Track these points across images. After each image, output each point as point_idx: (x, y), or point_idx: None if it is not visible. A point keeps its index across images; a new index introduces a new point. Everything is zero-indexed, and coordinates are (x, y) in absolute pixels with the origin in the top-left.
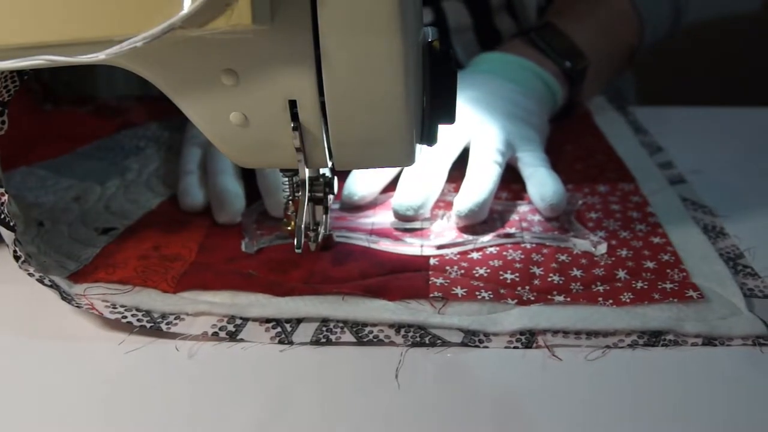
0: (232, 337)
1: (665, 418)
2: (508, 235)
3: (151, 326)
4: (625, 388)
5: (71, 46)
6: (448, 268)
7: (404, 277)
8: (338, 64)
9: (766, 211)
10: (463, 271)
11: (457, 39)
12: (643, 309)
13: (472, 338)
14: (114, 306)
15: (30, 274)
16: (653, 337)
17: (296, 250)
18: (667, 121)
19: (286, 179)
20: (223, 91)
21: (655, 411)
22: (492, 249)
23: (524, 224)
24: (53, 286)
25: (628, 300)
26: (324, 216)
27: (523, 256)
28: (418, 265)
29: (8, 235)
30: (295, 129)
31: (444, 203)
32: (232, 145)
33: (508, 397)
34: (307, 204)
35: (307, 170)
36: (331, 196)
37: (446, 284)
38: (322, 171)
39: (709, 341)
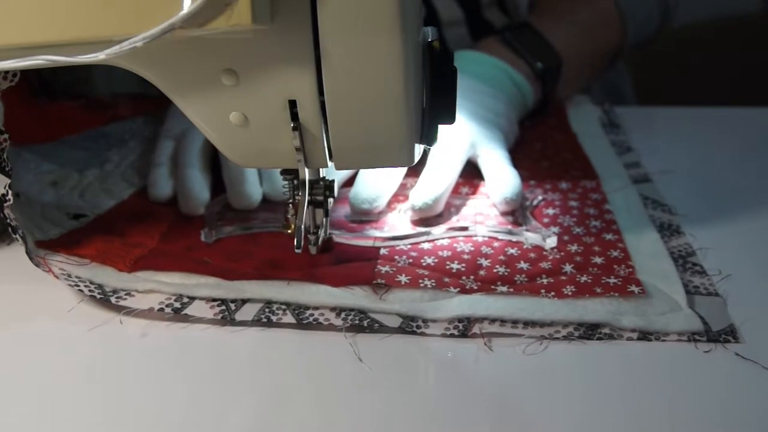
0: (177, 313)
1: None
2: (461, 228)
3: (101, 298)
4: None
5: (71, 46)
6: (397, 257)
7: (352, 266)
8: (338, 64)
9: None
10: (411, 260)
11: (449, 33)
12: (584, 302)
13: (410, 324)
14: (69, 275)
15: (9, 221)
16: (590, 330)
17: (296, 250)
18: (659, 120)
19: (286, 182)
20: (223, 91)
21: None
22: (444, 241)
23: (479, 218)
24: (23, 238)
25: (570, 293)
26: (324, 219)
27: (473, 248)
28: (368, 255)
29: (2, 180)
30: (295, 129)
31: (404, 197)
32: (231, 145)
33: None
34: (307, 206)
35: (307, 173)
36: (331, 200)
37: (391, 272)
38: (322, 174)
39: (645, 336)
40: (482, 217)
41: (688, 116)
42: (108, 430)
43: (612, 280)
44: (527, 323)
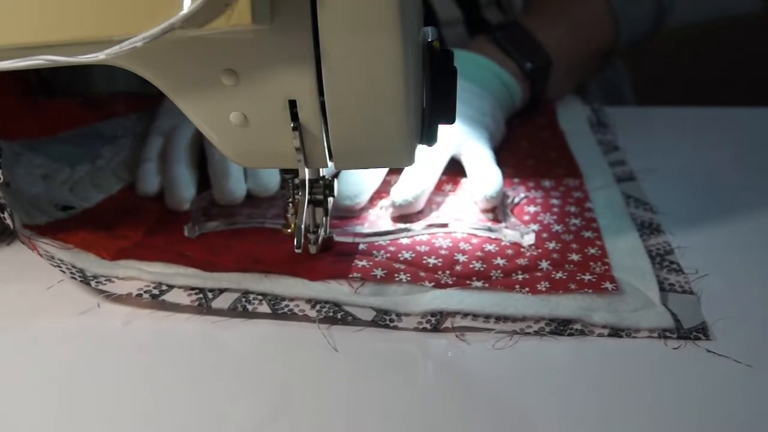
0: (155, 299)
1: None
2: (441, 225)
3: (81, 280)
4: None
5: (71, 46)
6: (375, 252)
7: (330, 261)
8: (338, 64)
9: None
10: (388, 255)
11: (447, 33)
12: (557, 298)
13: (384, 317)
14: (52, 257)
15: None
16: (561, 326)
17: (296, 250)
18: (653, 120)
19: (285, 180)
20: (223, 91)
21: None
22: (423, 236)
23: (460, 215)
24: (11, 216)
25: (543, 289)
26: (324, 218)
27: (451, 244)
28: (347, 251)
29: None
30: (295, 129)
31: (387, 194)
32: (231, 145)
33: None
34: (307, 206)
35: (307, 172)
36: (331, 199)
37: (368, 266)
38: (322, 173)
39: (616, 332)
40: (463, 214)
41: (682, 116)
42: (109, 425)
43: (587, 277)
44: (499, 318)
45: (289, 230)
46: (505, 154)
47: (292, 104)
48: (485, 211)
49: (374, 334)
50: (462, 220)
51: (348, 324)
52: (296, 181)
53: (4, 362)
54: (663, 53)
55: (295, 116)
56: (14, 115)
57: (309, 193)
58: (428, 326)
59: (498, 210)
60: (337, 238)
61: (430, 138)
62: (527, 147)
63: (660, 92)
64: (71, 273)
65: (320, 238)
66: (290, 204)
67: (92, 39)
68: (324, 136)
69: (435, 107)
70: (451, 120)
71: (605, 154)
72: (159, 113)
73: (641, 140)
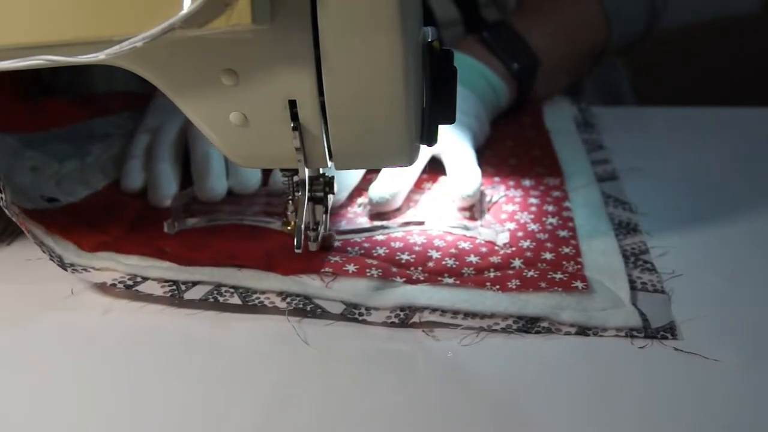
0: (128, 289)
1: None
2: (418, 223)
3: (58, 264)
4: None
5: (71, 46)
6: (349, 249)
7: (304, 257)
8: (338, 63)
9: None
10: (363, 252)
11: (446, 33)
12: (527, 296)
13: (353, 311)
14: (35, 236)
15: None
16: (529, 324)
17: (296, 250)
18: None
19: (286, 179)
20: (223, 91)
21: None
22: (398, 233)
23: (438, 213)
24: (3, 190)
25: (514, 287)
26: (324, 216)
27: (425, 241)
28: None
29: None
30: (295, 129)
31: (366, 192)
32: (231, 145)
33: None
34: (307, 204)
35: (307, 170)
36: (331, 196)
37: (340, 262)
38: (322, 170)
39: (583, 331)
40: (440, 212)
41: (677, 116)
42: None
43: (558, 276)
44: (468, 314)
45: (289, 228)
46: (488, 153)
47: (292, 104)
48: (462, 209)
49: (343, 328)
50: (439, 218)
51: (317, 317)
52: (296, 179)
53: (4, 362)
54: (663, 53)
55: (295, 116)
56: (8, 111)
57: (309, 191)
58: (396, 321)
59: (475, 209)
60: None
61: (430, 138)
62: (511, 146)
63: (659, 92)
64: (50, 257)
65: (320, 236)
66: (290, 202)
67: (92, 39)
68: (324, 136)
69: (435, 107)
70: (451, 120)
71: (589, 152)
72: (148, 111)
73: (632, 139)
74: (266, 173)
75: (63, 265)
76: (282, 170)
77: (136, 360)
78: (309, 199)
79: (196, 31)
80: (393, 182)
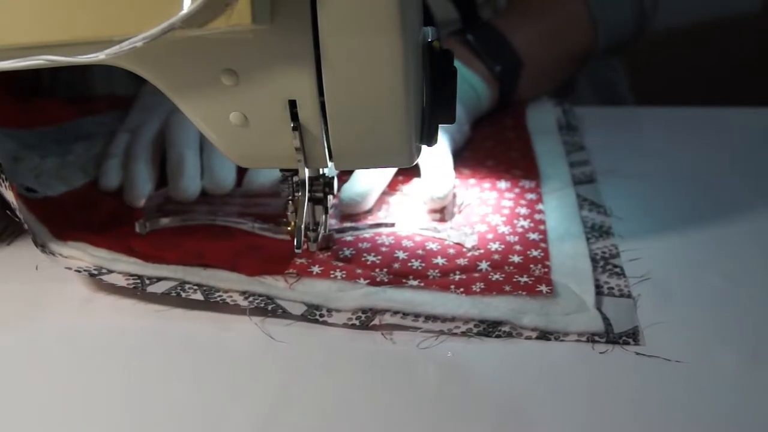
0: (92, 277)
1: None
2: (388, 225)
3: (32, 239)
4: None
5: (71, 46)
6: (318, 252)
7: (270, 258)
8: (338, 64)
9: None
10: (329, 253)
11: (444, 33)
12: (489, 299)
13: (314, 312)
14: (17, 208)
15: None
16: (490, 328)
17: (296, 250)
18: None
19: (285, 179)
20: (223, 91)
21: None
22: (367, 234)
23: (409, 215)
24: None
25: (478, 290)
26: (324, 216)
27: (393, 242)
28: (290, 249)
29: None
30: (295, 129)
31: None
32: (231, 145)
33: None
34: (307, 204)
35: (307, 170)
36: (331, 196)
37: (305, 263)
38: (321, 171)
39: (545, 335)
40: (412, 214)
41: (671, 116)
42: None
43: (523, 279)
44: (429, 317)
45: (289, 228)
46: (466, 155)
47: (292, 104)
48: (433, 211)
49: (304, 329)
50: (410, 220)
51: (278, 317)
52: (296, 179)
53: (5, 362)
54: (662, 53)
55: (295, 116)
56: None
57: (309, 191)
58: (357, 322)
59: (446, 211)
60: (280, 237)
61: (430, 138)
62: (490, 147)
63: (659, 92)
64: (28, 226)
65: (320, 236)
66: (290, 202)
67: (92, 39)
68: (324, 136)
69: (435, 107)
70: (451, 120)
71: (569, 153)
72: (131, 110)
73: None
74: (241, 174)
75: (36, 243)
76: (282, 170)
77: (137, 361)
78: (309, 200)
79: (196, 31)
80: (364, 184)
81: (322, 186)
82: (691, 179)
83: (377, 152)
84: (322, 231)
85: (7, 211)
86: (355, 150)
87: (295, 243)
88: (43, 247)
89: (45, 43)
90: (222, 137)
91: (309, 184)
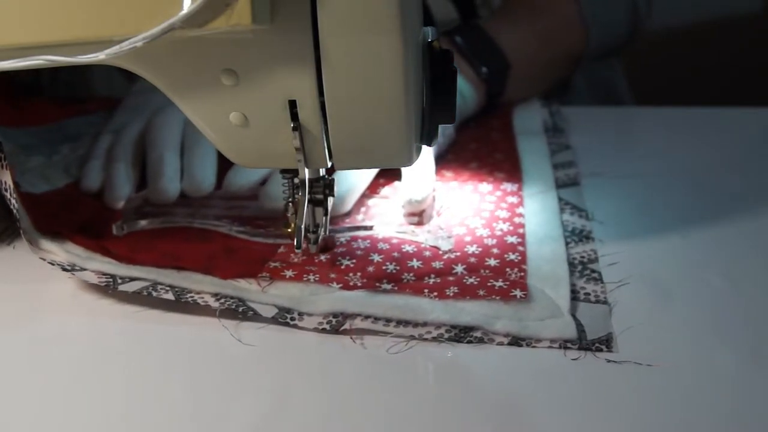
0: (65, 271)
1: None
2: (366, 228)
3: (16, 222)
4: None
5: (71, 46)
6: (292, 255)
7: (244, 260)
8: (338, 64)
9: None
10: (305, 257)
11: None
12: (462, 304)
13: (285, 315)
14: (9, 191)
15: None
16: (462, 333)
17: (296, 250)
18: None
19: (285, 181)
20: (223, 91)
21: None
22: (343, 237)
23: (386, 218)
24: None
25: (452, 294)
26: (324, 218)
27: (369, 245)
28: (265, 252)
29: None
30: (295, 129)
31: None
32: (231, 145)
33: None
34: (307, 205)
35: (307, 171)
36: (331, 198)
37: (280, 267)
38: (322, 172)
39: (517, 341)
40: (390, 217)
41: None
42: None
43: (498, 284)
44: (400, 322)
45: (289, 230)
46: (450, 157)
47: (292, 104)
48: (411, 214)
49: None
50: (388, 222)
51: (249, 319)
52: (296, 180)
53: (5, 362)
54: (662, 52)
55: (295, 116)
56: None
57: (309, 193)
58: (328, 327)
59: (425, 213)
60: (258, 239)
61: (430, 138)
62: (475, 149)
63: (658, 92)
64: (15, 209)
65: (320, 238)
66: (290, 203)
67: (92, 39)
68: (324, 136)
69: (435, 107)
70: (450, 120)
71: (554, 154)
72: (116, 111)
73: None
74: (220, 176)
75: (17, 225)
76: (282, 171)
77: (136, 361)
78: (309, 202)
79: (196, 31)
80: (344, 186)
81: (322, 187)
82: (690, 179)
83: (377, 152)
84: (322, 233)
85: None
86: (355, 150)
87: (295, 243)
88: (25, 233)
89: (45, 43)
90: (222, 137)
91: (309, 186)
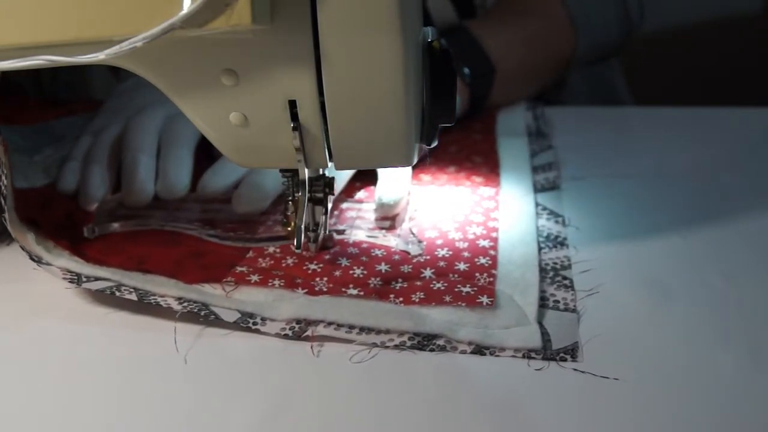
0: (32, 261)
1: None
2: (338, 231)
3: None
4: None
5: (71, 46)
6: (260, 259)
7: (211, 264)
8: (338, 64)
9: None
10: (272, 261)
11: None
12: (427, 310)
13: (247, 320)
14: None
15: None
16: (425, 340)
17: (296, 251)
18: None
19: (286, 179)
20: (223, 91)
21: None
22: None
23: (358, 222)
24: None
25: (417, 300)
26: (324, 217)
27: (338, 249)
28: (233, 257)
29: None
30: (295, 129)
31: None
32: (231, 145)
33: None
34: (307, 204)
35: (307, 170)
36: (331, 197)
37: (246, 272)
38: (322, 171)
39: (480, 350)
40: (362, 221)
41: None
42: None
43: (465, 289)
44: (363, 329)
45: (289, 228)
46: (433, 160)
47: (292, 104)
48: (384, 218)
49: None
50: (359, 227)
51: (210, 324)
52: (296, 179)
53: (5, 362)
54: (661, 52)
55: (295, 116)
56: None
57: (309, 192)
58: (290, 333)
59: (398, 218)
60: (228, 243)
61: (430, 138)
62: (454, 152)
63: (657, 92)
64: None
65: (320, 237)
66: (290, 202)
67: (92, 39)
68: (324, 136)
69: (435, 107)
70: (450, 120)
71: (535, 155)
72: (97, 113)
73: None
74: (195, 179)
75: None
76: (282, 170)
77: (136, 361)
78: (309, 200)
79: (196, 31)
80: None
81: (322, 186)
82: (689, 179)
83: (377, 152)
84: (321, 232)
85: None
86: (355, 150)
87: (295, 243)
88: (2, 212)
89: (45, 43)
90: (222, 137)
91: (309, 185)
